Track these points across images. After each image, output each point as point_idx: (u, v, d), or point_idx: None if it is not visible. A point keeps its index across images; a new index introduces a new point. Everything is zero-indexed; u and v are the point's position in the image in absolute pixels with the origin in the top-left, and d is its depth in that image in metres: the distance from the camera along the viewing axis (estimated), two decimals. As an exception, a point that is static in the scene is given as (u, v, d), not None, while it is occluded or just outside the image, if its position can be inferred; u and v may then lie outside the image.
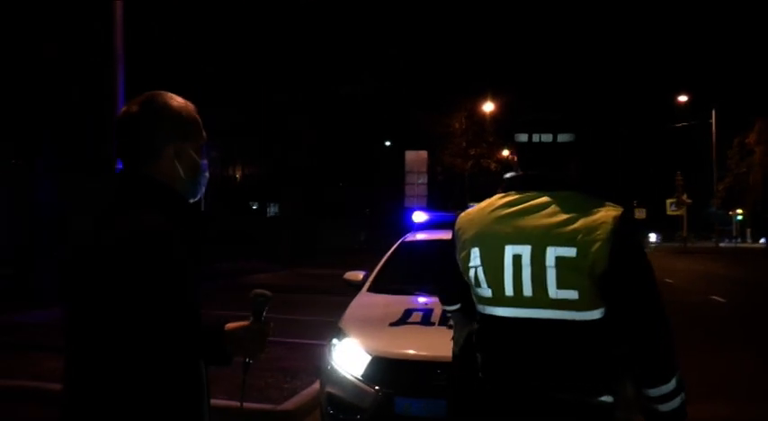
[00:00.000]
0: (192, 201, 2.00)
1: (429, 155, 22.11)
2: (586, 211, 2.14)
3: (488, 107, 38.01)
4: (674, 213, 48.82)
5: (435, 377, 4.62)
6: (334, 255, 26.64)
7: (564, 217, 2.14)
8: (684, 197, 47.28)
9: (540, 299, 2.11)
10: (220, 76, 19.84)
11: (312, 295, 14.70)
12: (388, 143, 38.73)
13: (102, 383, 1.69)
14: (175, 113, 1.93)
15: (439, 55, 34.44)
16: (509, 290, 2.16)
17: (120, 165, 8.72)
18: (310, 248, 27.59)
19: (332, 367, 5.08)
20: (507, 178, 2.41)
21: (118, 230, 1.73)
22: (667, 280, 20.03)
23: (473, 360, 2.39)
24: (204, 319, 1.89)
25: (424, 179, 20.84)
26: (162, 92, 1.96)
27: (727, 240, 55.01)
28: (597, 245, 2.07)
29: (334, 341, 5.24)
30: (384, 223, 31.96)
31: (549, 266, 2.10)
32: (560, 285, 2.08)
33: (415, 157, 20.74)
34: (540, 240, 2.12)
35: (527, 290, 2.13)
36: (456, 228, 2.42)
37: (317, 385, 5.98)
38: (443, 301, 3.78)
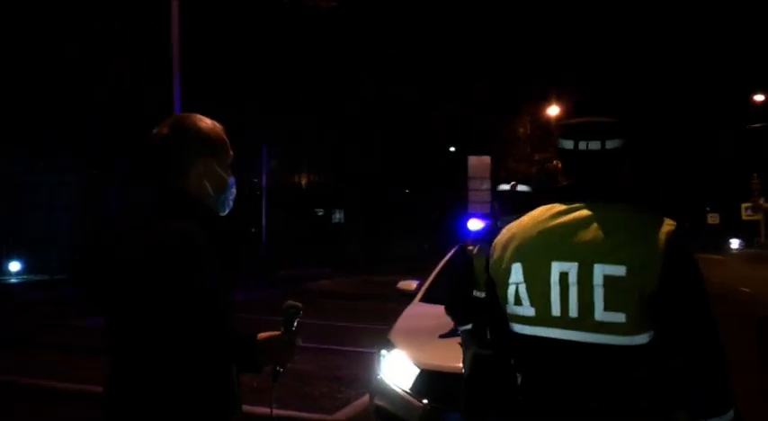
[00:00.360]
0: (221, 215, 2.12)
1: (493, 160, 21.89)
2: (637, 226, 1.99)
3: (553, 111, 37.45)
4: (750, 218, 47.03)
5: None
6: (399, 262, 26.67)
7: (613, 231, 1.97)
8: (762, 201, 45.51)
9: (586, 321, 1.94)
10: (289, 85, 20.13)
11: (374, 302, 14.70)
12: (452, 149, 38.56)
13: (137, 377, 1.85)
14: (203, 134, 2.06)
15: (502, 59, 34.16)
16: (556, 310, 1.98)
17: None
18: (376, 255, 27.64)
19: (380, 379, 5.06)
20: (563, 187, 2.18)
21: (154, 235, 1.84)
22: (743, 288, 19.29)
23: (486, 382, 2.34)
24: (239, 329, 2.03)
25: (487, 185, 20.58)
26: (191, 114, 2.10)
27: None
28: (649, 262, 1.91)
29: (383, 352, 5.22)
30: (449, 230, 31.77)
31: (597, 285, 1.93)
32: (607, 307, 1.92)
33: (478, 163, 20.51)
34: (587, 257, 1.96)
35: (573, 310, 1.96)
36: (495, 242, 2.22)
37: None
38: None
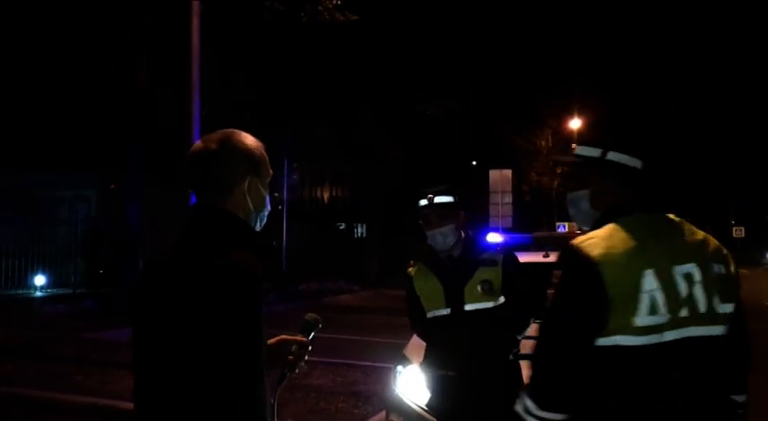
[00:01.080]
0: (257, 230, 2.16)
1: (514, 174, 21.73)
2: (698, 230, 2.26)
3: (575, 124, 37.23)
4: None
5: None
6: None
7: (701, 234, 2.21)
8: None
9: (713, 315, 2.12)
10: (311, 98, 20.18)
11: (392, 317, 14.57)
12: (474, 163, 38.44)
13: (176, 406, 1.78)
14: (249, 152, 2.08)
15: (524, 70, 34.06)
16: (684, 310, 2.08)
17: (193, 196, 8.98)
18: (396, 269, 27.49)
19: (396, 395, 4.95)
20: (619, 205, 2.28)
21: (214, 263, 1.81)
22: (767, 303, 18.89)
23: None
24: None
25: (508, 198, 20.45)
26: (237, 131, 2.12)
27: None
28: (731, 259, 2.21)
29: (399, 368, 5.12)
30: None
31: (715, 281, 2.13)
32: (723, 299, 2.14)
33: (499, 176, 20.39)
34: (700, 257, 2.15)
35: (702, 306, 2.11)
36: (596, 260, 2.08)
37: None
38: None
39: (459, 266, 3.82)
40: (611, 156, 2.32)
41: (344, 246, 29.43)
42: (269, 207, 2.19)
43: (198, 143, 2.08)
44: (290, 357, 2.26)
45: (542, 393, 2.13)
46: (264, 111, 16.82)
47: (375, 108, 23.49)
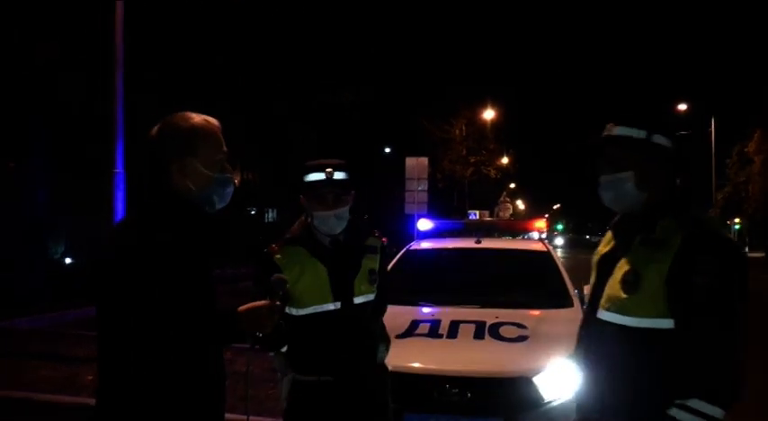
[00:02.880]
0: (210, 210, 2.25)
1: (429, 161, 21.90)
2: None
3: (489, 114, 37.91)
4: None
5: (445, 392, 4.43)
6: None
7: None
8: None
9: None
10: (220, 83, 19.68)
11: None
12: (387, 149, 38.58)
13: (126, 370, 2.01)
14: (185, 132, 2.16)
15: (439, 59, 34.37)
16: None
17: (120, 168, 8.63)
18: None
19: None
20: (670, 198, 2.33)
21: (129, 242, 2.03)
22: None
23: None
24: (219, 307, 2.25)
25: (424, 186, 20.62)
26: (181, 113, 2.22)
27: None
28: None
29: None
30: (385, 231, 31.63)
31: None
32: None
33: (416, 164, 20.53)
34: None
35: None
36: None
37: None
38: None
39: (346, 253, 3.31)
40: (657, 138, 2.29)
41: (257, 232, 29.04)
42: (228, 186, 2.26)
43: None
44: (262, 318, 2.32)
45: (730, 391, 2.10)
46: (172, 92, 16.29)
47: (287, 94, 23.18)
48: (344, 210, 3.28)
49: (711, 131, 47.58)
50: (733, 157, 50.33)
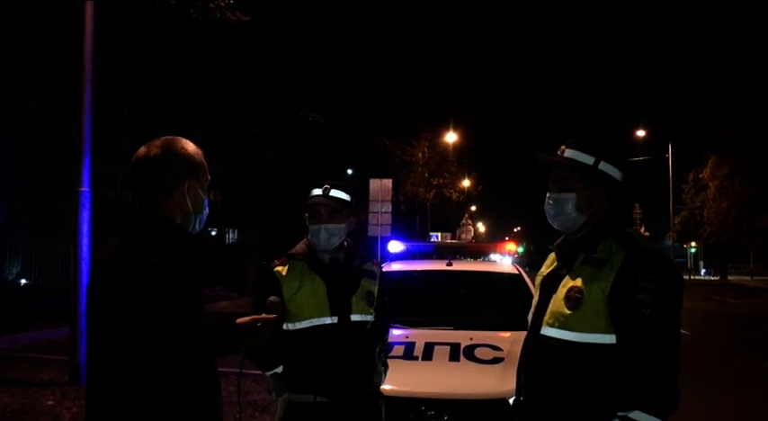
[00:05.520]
0: (195, 231, 2.35)
1: (392, 184, 21.94)
2: None
3: (451, 137, 38.21)
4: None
5: (421, 414, 4.39)
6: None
7: None
8: (642, 230, 47.90)
9: None
10: (185, 101, 19.50)
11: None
12: (350, 171, 38.58)
13: (135, 388, 1.99)
14: (190, 157, 2.28)
15: (403, 81, 34.60)
16: None
17: (86, 186, 8.44)
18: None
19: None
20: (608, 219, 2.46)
21: (128, 268, 2.02)
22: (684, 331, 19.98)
23: None
24: (215, 319, 2.38)
25: (388, 207, 20.68)
26: (178, 137, 2.31)
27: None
28: None
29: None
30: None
31: None
32: None
33: (380, 186, 20.59)
34: None
35: None
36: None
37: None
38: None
39: (345, 273, 3.43)
40: (603, 166, 2.40)
41: (219, 253, 28.71)
42: (207, 210, 2.39)
43: (141, 150, 2.24)
44: (256, 332, 2.48)
45: (669, 402, 2.22)
46: (143, 109, 16.07)
47: (253, 112, 23.02)
48: (337, 227, 3.40)
49: (669, 157, 48.63)
50: (689, 183, 51.43)
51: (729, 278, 50.18)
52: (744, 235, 44.87)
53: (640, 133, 49.96)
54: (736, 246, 50.71)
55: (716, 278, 52.71)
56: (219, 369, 2.27)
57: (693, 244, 56.69)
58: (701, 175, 48.61)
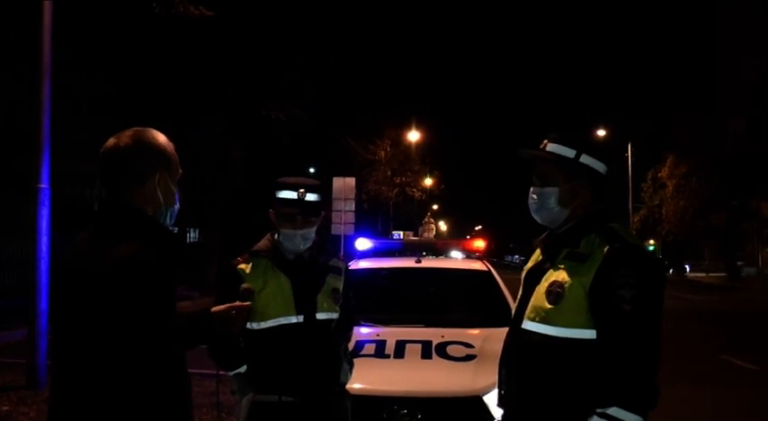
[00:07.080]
0: (167, 224, 2.31)
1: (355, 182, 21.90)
2: None
3: (413, 136, 38.28)
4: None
5: (394, 413, 4.33)
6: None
7: None
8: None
9: None
10: (147, 97, 19.19)
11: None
12: (312, 169, 38.41)
13: (95, 383, 1.96)
14: (161, 148, 2.24)
15: (366, 80, 34.53)
16: None
17: (45, 183, 8.20)
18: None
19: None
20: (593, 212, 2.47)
21: (105, 258, 1.99)
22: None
23: None
24: (192, 309, 2.46)
25: (351, 206, 20.66)
26: (148, 128, 2.27)
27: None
28: None
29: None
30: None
31: None
32: None
33: (343, 184, 20.57)
34: None
35: None
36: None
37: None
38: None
39: (310, 270, 3.35)
40: (584, 159, 2.39)
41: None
42: (178, 204, 2.34)
43: (110, 140, 2.19)
44: (233, 320, 2.60)
45: (648, 399, 2.20)
46: (103, 105, 15.77)
47: (220, 110, 22.78)
48: (310, 231, 3.34)
49: (628, 156, 49.33)
50: (648, 182, 52.24)
51: (686, 275, 51.17)
52: (700, 232, 45.76)
53: (600, 133, 50.62)
54: (690, 243, 51.70)
55: (675, 275, 53.71)
56: (192, 370, 2.20)
57: (652, 241, 57.66)
58: (659, 174, 49.43)
